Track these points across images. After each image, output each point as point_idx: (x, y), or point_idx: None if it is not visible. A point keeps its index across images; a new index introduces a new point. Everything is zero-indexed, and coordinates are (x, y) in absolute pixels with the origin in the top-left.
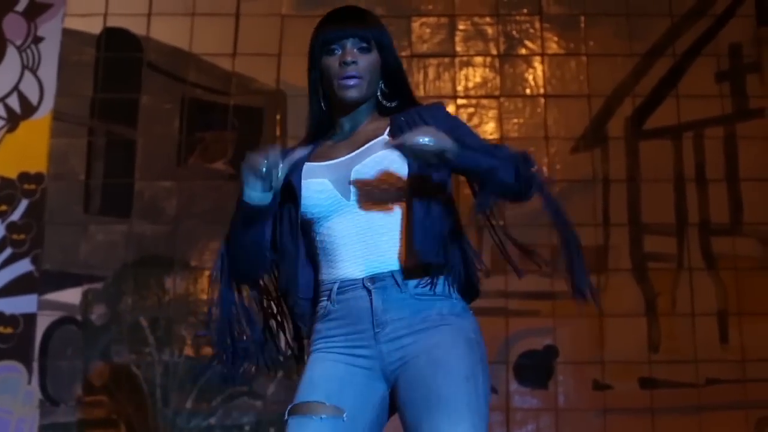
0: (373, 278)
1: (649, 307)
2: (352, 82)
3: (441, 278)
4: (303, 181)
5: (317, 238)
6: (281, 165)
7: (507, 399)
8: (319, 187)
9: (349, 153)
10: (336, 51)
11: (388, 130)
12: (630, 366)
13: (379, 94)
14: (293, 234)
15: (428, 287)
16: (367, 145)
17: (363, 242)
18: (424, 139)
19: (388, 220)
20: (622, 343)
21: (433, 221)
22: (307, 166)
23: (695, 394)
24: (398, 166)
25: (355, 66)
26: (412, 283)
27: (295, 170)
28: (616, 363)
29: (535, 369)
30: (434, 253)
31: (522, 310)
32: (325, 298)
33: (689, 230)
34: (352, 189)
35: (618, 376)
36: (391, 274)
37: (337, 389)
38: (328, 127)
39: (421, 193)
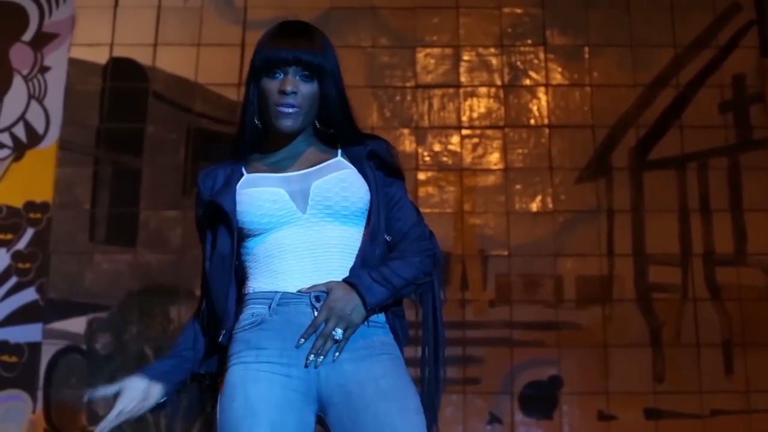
0: (320, 297)
1: (654, 338)
2: (289, 110)
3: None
4: (248, 190)
5: (253, 249)
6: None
7: (512, 429)
8: (274, 196)
9: (298, 170)
10: (278, 76)
11: (340, 153)
12: (635, 396)
13: (316, 120)
14: (226, 256)
15: (371, 314)
16: (322, 165)
17: (313, 257)
18: (336, 332)
19: (342, 239)
20: (627, 374)
21: (380, 249)
22: (251, 176)
23: (700, 425)
24: (359, 186)
25: (294, 96)
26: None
27: (227, 188)
28: (621, 393)
29: (540, 399)
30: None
31: (527, 340)
32: (263, 307)
33: (694, 260)
34: (310, 203)
35: (623, 406)
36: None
37: (279, 419)
38: (258, 144)
39: (377, 218)
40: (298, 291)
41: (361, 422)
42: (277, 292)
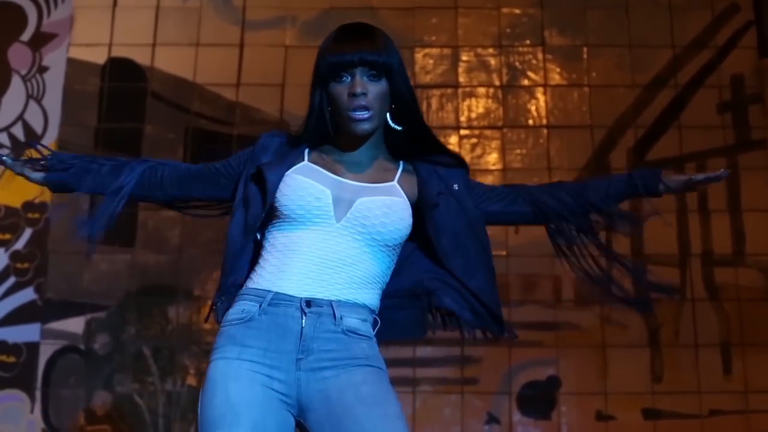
0: (310, 302)
1: (652, 338)
2: (362, 115)
3: (371, 319)
4: (299, 177)
5: (275, 237)
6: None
7: (510, 429)
8: (319, 194)
9: (355, 180)
10: (345, 79)
11: (398, 176)
12: (633, 397)
13: (388, 116)
14: (250, 227)
15: (361, 325)
16: (377, 185)
17: (321, 268)
18: None
19: (359, 260)
20: (625, 374)
21: (400, 279)
22: (309, 165)
23: (698, 425)
24: (402, 218)
25: (365, 98)
26: (348, 320)
27: (279, 163)
28: (619, 394)
29: (539, 400)
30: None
31: (525, 340)
32: (254, 304)
33: (692, 261)
34: (348, 215)
35: (621, 407)
36: (330, 303)
37: (261, 419)
38: (328, 140)
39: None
40: (289, 295)
41: (342, 427)
42: (270, 291)
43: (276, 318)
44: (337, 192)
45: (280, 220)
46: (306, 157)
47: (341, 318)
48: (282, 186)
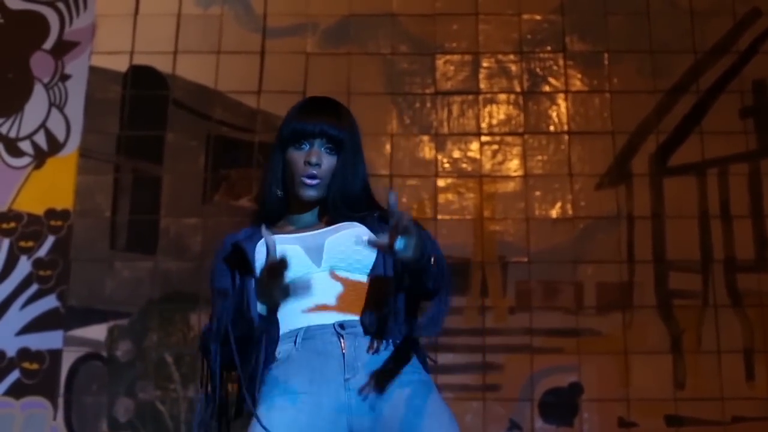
0: (343, 324)
1: (675, 345)
2: (313, 182)
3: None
4: (263, 248)
5: None
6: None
7: None
8: (290, 252)
9: (314, 230)
10: (303, 147)
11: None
12: (655, 403)
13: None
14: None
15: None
16: (336, 225)
17: (331, 294)
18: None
19: (354, 284)
20: (647, 381)
21: (386, 299)
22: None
23: (721, 431)
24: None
25: (319, 168)
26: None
27: (249, 241)
28: (641, 400)
29: (560, 406)
30: (372, 325)
31: (546, 347)
32: (290, 344)
33: (714, 267)
34: (324, 257)
35: (643, 413)
36: (360, 322)
37: None
38: (279, 214)
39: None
40: (320, 324)
41: None
42: (300, 328)
43: (314, 348)
44: (304, 244)
45: None
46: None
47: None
48: (257, 261)
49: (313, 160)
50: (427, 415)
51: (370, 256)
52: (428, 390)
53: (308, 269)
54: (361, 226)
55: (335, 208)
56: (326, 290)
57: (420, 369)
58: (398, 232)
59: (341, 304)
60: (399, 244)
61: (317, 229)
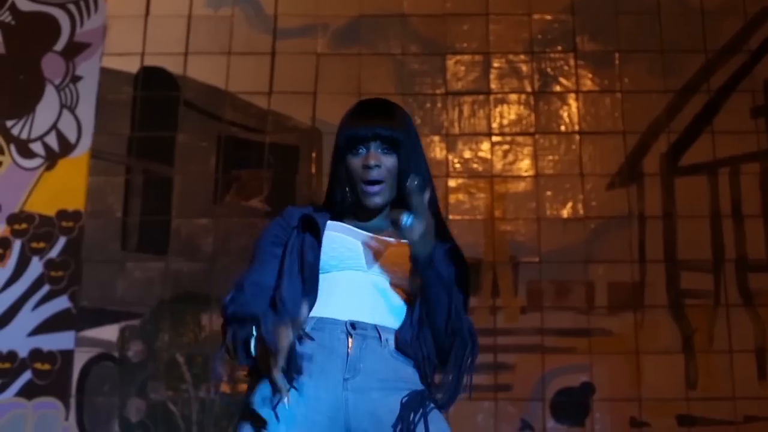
0: (355, 324)
1: (686, 344)
2: (374, 189)
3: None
4: (330, 232)
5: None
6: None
7: None
8: (350, 244)
9: (380, 236)
10: (360, 151)
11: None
12: (667, 403)
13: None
14: (313, 264)
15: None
16: (402, 240)
17: (361, 294)
18: (408, 217)
19: (393, 296)
20: (659, 380)
21: (424, 331)
22: (336, 223)
23: (733, 431)
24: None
25: (378, 170)
26: (393, 343)
27: (320, 217)
28: (653, 400)
29: (572, 406)
30: (407, 347)
31: (558, 347)
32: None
33: (726, 266)
34: (379, 263)
35: (655, 413)
36: (375, 327)
37: None
38: (350, 212)
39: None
40: (333, 319)
41: None
42: (313, 317)
43: (321, 341)
44: (367, 242)
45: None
46: (330, 219)
47: (387, 340)
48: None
49: (372, 162)
50: (428, 422)
51: (416, 280)
52: (426, 399)
53: (358, 266)
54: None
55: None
56: (359, 290)
57: (419, 384)
58: (409, 197)
59: (365, 305)
60: (406, 219)
61: (385, 236)
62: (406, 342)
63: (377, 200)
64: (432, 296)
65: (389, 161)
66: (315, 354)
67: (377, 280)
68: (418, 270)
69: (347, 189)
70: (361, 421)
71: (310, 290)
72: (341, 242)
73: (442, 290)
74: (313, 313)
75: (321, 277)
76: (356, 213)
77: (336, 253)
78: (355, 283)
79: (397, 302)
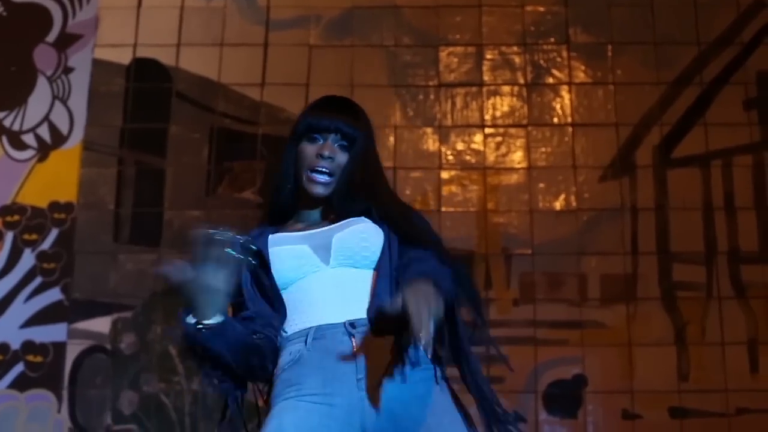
0: (354, 323)
1: (679, 336)
2: (322, 178)
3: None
4: (274, 249)
5: (282, 296)
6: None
7: (536, 428)
8: (298, 252)
9: (321, 227)
10: (317, 140)
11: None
12: (660, 395)
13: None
14: (268, 288)
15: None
16: (343, 221)
17: (339, 291)
18: (430, 325)
19: (362, 280)
20: (651, 373)
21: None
22: (276, 236)
23: (725, 423)
24: (378, 236)
25: (331, 162)
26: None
27: (261, 240)
28: (645, 392)
29: (564, 398)
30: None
31: (550, 339)
32: (300, 344)
33: (718, 259)
34: (332, 254)
35: (648, 405)
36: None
37: None
38: (288, 211)
39: (389, 265)
40: (331, 323)
41: None
42: (311, 327)
43: (325, 347)
44: (312, 242)
45: (283, 289)
46: (269, 233)
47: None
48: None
49: (326, 153)
50: (442, 413)
51: (376, 251)
52: (442, 389)
53: (317, 267)
54: (367, 220)
55: (340, 203)
56: (335, 288)
57: (430, 366)
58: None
59: (350, 301)
60: (421, 347)
61: (324, 227)
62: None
63: (320, 190)
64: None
65: (342, 158)
66: (323, 362)
67: (342, 271)
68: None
69: (291, 179)
70: (376, 420)
71: (278, 310)
72: (288, 254)
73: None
74: (308, 324)
75: (285, 293)
76: (296, 207)
77: (287, 265)
78: (324, 284)
79: (365, 278)
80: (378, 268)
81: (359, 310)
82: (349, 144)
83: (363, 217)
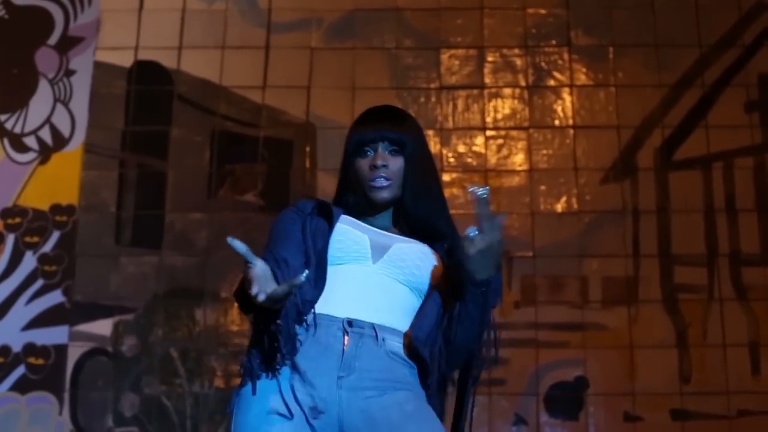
0: (352, 322)
1: (680, 339)
2: (381, 182)
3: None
4: (339, 225)
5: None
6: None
7: (538, 430)
8: (358, 238)
9: (389, 233)
10: (368, 153)
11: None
12: (661, 397)
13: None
14: (322, 249)
15: (402, 350)
16: (409, 237)
17: (362, 291)
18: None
19: (394, 291)
20: (653, 375)
21: (435, 326)
22: (348, 217)
23: (727, 425)
24: (431, 266)
25: (386, 169)
26: (391, 343)
27: (336, 211)
28: (647, 394)
29: (566, 400)
30: (422, 346)
31: (552, 341)
32: (302, 328)
33: (720, 261)
34: (385, 258)
35: (649, 407)
36: (372, 326)
37: None
38: (357, 214)
39: (441, 298)
40: (331, 315)
41: None
42: (313, 312)
43: (318, 337)
44: (375, 238)
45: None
46: (344, 214)
47: (383, 340)
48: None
49: (379, 162)
50: (417, 420)
51: (424, 276)
52: (420, 399)
53: (363, 260)
54: (431, 249)
55: (408, 220)
56: (371, 288)
57: (417, 384)
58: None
59: (373, 308)
60: (471, 231)
61: (392, 233)
62: (419, 339)
63: (384, 194)
64: (465, 317)
65: (396, 163)
66: (311, 351)
67: (382, 275)
68: (465, 286)
69: (355, 191)
70: (353, 420)
71: (318, 277)
72: (349, 235)
73: (478, 316)
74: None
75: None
76: (363, 214)
77: (343, 245)
78: (358, 278)
79: (401, 299)
80: (429, 295)
81: (368, 313)
82: (400, 148)
83: (429, 247)
